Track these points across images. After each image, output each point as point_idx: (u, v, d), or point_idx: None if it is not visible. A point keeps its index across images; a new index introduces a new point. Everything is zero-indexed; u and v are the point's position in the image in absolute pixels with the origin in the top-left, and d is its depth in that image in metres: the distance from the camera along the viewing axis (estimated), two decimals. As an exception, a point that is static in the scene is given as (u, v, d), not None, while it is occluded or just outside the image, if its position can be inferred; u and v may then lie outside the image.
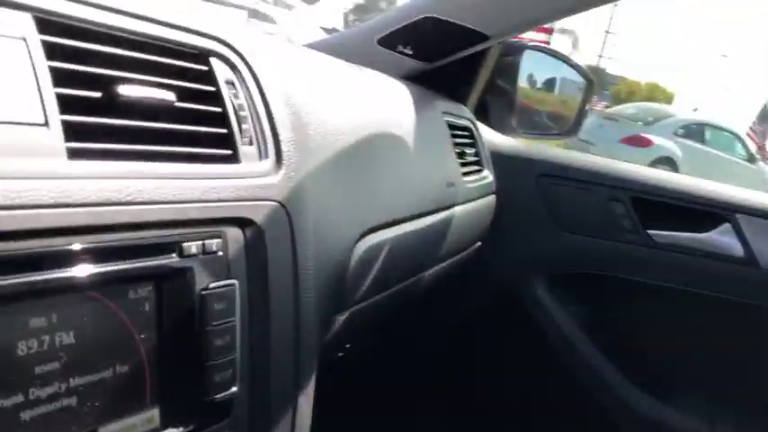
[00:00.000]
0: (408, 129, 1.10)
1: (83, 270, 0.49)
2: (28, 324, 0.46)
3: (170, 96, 0.58)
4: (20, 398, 0.46)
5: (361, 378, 1.65)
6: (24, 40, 0.47)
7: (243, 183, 0.63)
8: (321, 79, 0.90)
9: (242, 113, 0.66)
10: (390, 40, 1.55)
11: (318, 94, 0.85)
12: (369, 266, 0.91)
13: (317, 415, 0.76)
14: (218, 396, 0.60)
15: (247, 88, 0.69)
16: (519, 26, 1.47)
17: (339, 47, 1.38)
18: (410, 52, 1.55)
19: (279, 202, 0.67)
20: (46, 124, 0.47)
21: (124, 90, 0.53)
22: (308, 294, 0.72)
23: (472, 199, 1.37)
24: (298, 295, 0.71)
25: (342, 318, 0.88)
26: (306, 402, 0.73)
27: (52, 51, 0.49)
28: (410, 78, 1.45)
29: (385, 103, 1.06)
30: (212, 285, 0.59)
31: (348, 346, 1.07)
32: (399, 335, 1.65)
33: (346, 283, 0.84)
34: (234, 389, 0.61)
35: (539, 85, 1.99)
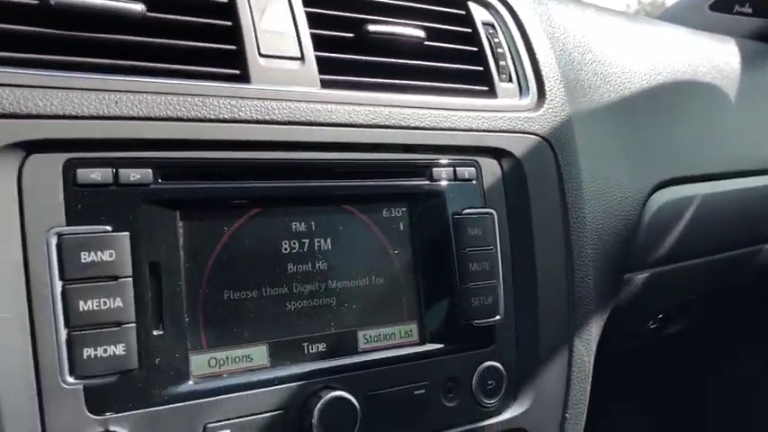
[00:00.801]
0: (725, 80, 0.97)
1: (339, 183, 0.55)
2: (290, 227, 0.54)
3: (419, 33, 0.62)
4: (284, 289, 0.53)
5: (691, 357, 1.43)
6: None
7: (498, 114, 0.64)
8: (603, 24, 0.85)
9: (499, 51, 0.67)
10: (725, 3, 1.38)
11: (600, 36, 0.81)
12: (671, 223, 0.82)
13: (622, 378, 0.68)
14: (478, 321, 0.60)
15: (507, 28, 0.69)
16: None
17: (670, 20, 1.28)
18: (749, 10, 1.37)
19: (541, 136, 0.66)
20: (302, 59, 0.55)
21: (375, 28, 0.59)
22: (580, 238, 0.68)
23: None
24: (569, 237, 0.67)
25: (637, 278, 0.80)
26: (585, 349, 0.69)
27: None
28: (754, 39, 1.27)
29: (692, 53, 0.95)
30: (466, 211, 0.60)
31: (661, 316, 0.96)
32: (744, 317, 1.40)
33: (639, 238, 0.77)
34: (497, 317, 0.61)
35: None
